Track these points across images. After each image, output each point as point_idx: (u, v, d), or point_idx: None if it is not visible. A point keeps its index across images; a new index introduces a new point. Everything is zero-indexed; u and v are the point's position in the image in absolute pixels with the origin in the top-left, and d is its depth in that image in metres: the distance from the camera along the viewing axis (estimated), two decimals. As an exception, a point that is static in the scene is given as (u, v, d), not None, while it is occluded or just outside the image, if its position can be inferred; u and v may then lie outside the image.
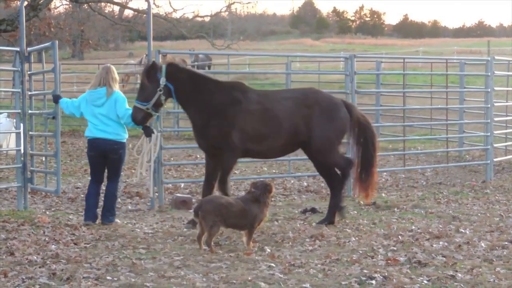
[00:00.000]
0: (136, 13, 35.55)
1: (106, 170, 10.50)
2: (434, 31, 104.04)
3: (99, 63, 28.23)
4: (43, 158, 16.56)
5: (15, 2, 28.22)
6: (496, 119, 16.57)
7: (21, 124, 11.97)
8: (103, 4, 38.08)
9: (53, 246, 8.73)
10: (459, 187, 14.22)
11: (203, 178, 14.53)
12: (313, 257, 8.28)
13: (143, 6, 37.32)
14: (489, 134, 15.76)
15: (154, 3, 32.44)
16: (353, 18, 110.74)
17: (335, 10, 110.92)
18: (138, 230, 9.93)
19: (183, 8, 49.46)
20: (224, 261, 7.98)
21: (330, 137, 10.29)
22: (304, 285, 7.11)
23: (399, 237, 9.37)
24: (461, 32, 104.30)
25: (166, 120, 15.93)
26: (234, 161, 10.33)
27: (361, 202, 11.80)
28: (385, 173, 15.98)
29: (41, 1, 24.25)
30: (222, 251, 8.50)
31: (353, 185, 11.24)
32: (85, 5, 33.80)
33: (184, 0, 49.22)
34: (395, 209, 11.64)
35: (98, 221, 10.28)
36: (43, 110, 12.09)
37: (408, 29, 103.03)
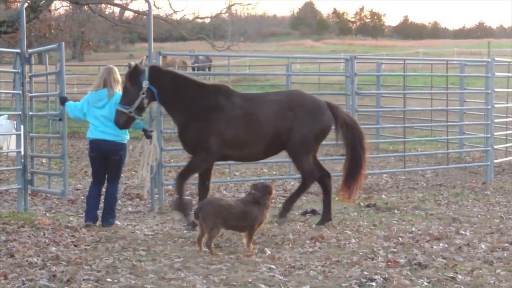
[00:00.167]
0: (136, 14, 35.53)
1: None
2: (434, 32, 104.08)
3: (99, 65, 28.23)
4: (44, 160, 16.64)
5: (16, 3, 28.25)
6: (496, 120, 16.57)
7: (22, 126, 11.98)
8: (103, 5, 38.09)
9: (53, 248, 8.73)
10: (459, 189, 14.21)
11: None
12: (313, 259, 8.28)
13: (143, 7, 37.35)
14: (489, 135, 15.75)
15: (154, 5, 32.49)
16: (353, 20, 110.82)
17: (335, 12, 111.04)
18: (138, 232, 9.93)
19: (184, 10, 49.69)
20: (225, 263, 7.98)
21: (307, 139, 10.18)
22: (304, 287, 7.11)
23: (399, 238, 9.37)
24: (461, 34, 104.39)
25: (166, 121, 15.90)
26: (205, 164, 10.23)
27: (340, 199, 11.50)
28: (385, 175, 15.99)
29: (42, 2, 24.24)
30: (222, 253, 8.50)
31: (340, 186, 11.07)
32: (86, 6, 33.80)
33: (184, 1, 49.18)
34: (395, 211, 11.64)
35: (98, 223, 10.28)
36: (48, 112, 12.10)
37: (408, 31, 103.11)
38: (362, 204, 12.24)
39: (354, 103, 13.60)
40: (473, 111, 20.21)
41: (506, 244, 9.08)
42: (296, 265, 7.93)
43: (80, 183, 14.59)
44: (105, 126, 10.16)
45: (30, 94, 12.10)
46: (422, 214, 11.37)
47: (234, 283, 7.17)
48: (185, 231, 9.85)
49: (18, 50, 11.78)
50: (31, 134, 12.14)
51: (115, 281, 7.25)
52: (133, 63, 10.19)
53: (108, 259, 8.13)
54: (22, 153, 11.80)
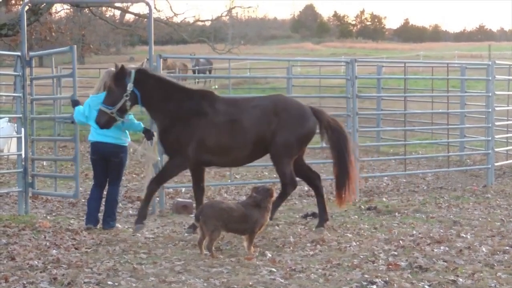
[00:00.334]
0: (137, 17, 35.57)
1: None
2: (435, 35, 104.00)
3: (100, 68, 28.25)
4: (44, 163, 16.64)
5: (16, 6, 28.24)
6: (497, 123, 16.57)
7: (22, 129, 11.98)
8: (104, 8, 38.18)
9: (54, 251, 8.72)
10: (460, 192, 14.21)
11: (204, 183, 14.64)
12: (314, 262, 8.28)
13: (144, 10, 37.30)
14: (490, 138, 15.76)
15: (155, 8, 32.50)
16: (354, 22, 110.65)
17: (336, 14, 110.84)
18: (139, 235, 9.93)
19: (184, 13, 49.84)
20: (225, 266, 7.98)
21: (289, 144, 10.14)
22: (305, 290, 7.11)
23: (400, 241, 9.37)
24: (462, 36, 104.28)
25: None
26: (180, 169, 10.26)
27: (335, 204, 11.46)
28: (386, 178, 15.99)
29: (42, 5, 24.27)
30: (223, 256, 8.50)
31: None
32: (86, 9, 33.85)
33: (185, 4, 49.31)
34: (396, 214, 11.64)
35: (99, 225, 10.28)
36: (55, 115, 12.12)
37: (409, 33, 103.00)
38: (362, 207, 12.24)
39: (354, 106, 13.60)
40: (474, 114, 20.20)
41: (507, 247, 9.07)
42: (297, 268, 7.93)
43: (81, 186, 14.56)
44: (106, 128, 10.16)
45: (31, 97, 12.12)
46: (423, 217, 11.37)
47: (235, 286, 7.17)
48: (186, 234, 9.85)
49: (19, 53, 11.80)
50: (32, 137, 12.15)
51: (116, 284, 7.25)
52: (119, 64, 10.19)
53: (109, 262, 8.13)
54: (23, 155, 11.81)
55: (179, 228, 10.44)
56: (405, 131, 16.93)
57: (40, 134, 17.61)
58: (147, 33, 12.67)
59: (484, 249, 8.98)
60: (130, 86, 9.88)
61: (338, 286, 7.27)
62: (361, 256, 8.56)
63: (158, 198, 12.09)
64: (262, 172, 16.60)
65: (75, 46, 11.71)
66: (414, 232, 10.08)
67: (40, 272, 7.67)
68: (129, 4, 33.23)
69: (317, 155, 18.00)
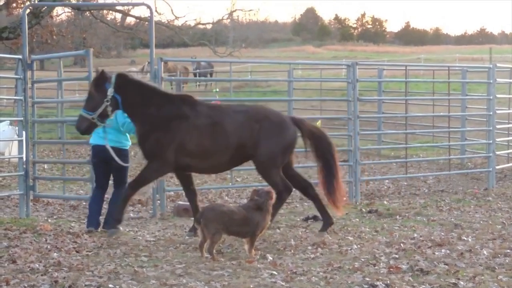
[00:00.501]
0: (138, 20, 35.63)
1: (112, 177, 10.53)
2: (436, 38, 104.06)
3: (101, 71, 28.20)
4: (45, 166, 16.66)
5: (17, 9, 28.27)
6: (498, 126, 16.57)
7: (23, 132, 12.00)
8: (105, 11, 38.16)
9: (55, 254, 8.72)
10: (461, 195, 14.21)
11: (205, 186, 14.66)
12: (315, 265, 8.27)
13: (145, 13, 37.30)
14: (491, 141, 15.76)
15: (156, 11, 32.50)
16: (355, 26, 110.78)
17: (337, 18, 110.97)
18: (140, 238, 9.93)
19: (185, 16, 49.68)
20: (226, 269, 7.97)
21: (274, 154, 10.03)
22: (306, 293, 7.11)
23: (401, 244, 9.36)
24: (463, 39, 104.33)
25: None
26: (159, 174, 10.16)
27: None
28: (387, 181, 16.00)
29: (44, 8, 24.31)
30: (224, 259, 8.49)
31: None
32: (87, 12, 33.91)
33: (186, 7, 49.32)
34: (397, 217, 11.63)
35: (100, 228, 10.28)
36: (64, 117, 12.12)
37: (410, 36, 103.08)
38: (364, 210, 12.24)
39: (355, 109, 13.61)
40: (475, 117, 20.21)
41: (508, 250, 9.07)
42: (298, 271, 7.92)
43: (82, 189, 14.60)
44: (107, 132, 10.15)
45: (32, 100, 12.13)
46: (424, 220, 11.36)
47: (236, 289, 7.17)
48: (187, 237, 9.85)
49: (20, 56, 11.81)
50: (33, 140, 12.16)
51: (117, 287, 7.24)
52: (100, 69, 10.16)
53: (110, 265, 8.13)
54: (24, 159, 11.82)
55: (180, 231, 10.44)
56: (406, 134, 16.93)
57: (41, 137, 17.61)
58: (148, 36, 12.69)
59: (485, 252, 8.97)
60: (110, 91, 9.77)
61: (339, 289, 7.27)
62: (362, 259, 8.55)
63: (159, 201, 12.09)
64: (263, 175, 16.57)
65: (91, 49, 11.74)
66: (415, 235, 10.08)
67: (41, 275, 7.67)
68: (130, 7, 33.27)
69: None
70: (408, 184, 15.76)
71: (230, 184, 14.33)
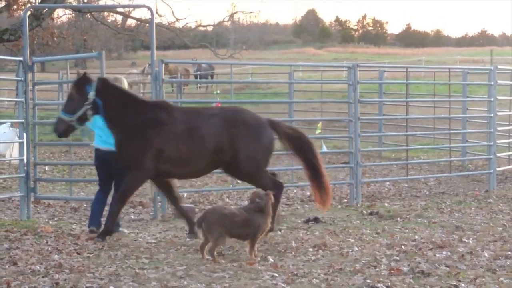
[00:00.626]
0: (139, 22, 35.58)
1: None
2: (437, 40, 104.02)
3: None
4: (46, 168, 16.66)
5: (18, 11, 28.26)
6: (499, 128, 16.56)
7: (24, 134, 12.00)
8: (106, 13, 38.20)
9: (56, 255, 8.73)
10: (462, 197, 14.21)
11: (206, 188, 14.67)
12: (316, 267, 8.27)
13: (146, 15, 37.36)
14: (492, 143, 15.75)
15: (157, 13, 32.46)
16: (355, 27, 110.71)
17: (337, 20, 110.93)
18: (141, 239, 9.93)
19: (186, 18, 49.65)
20: (227, 271, 7.97)
21: (256, 158, 9.99)
22: (307, 295, 7.11)
23: (402, 246, 9.36)
24: (464, 41, 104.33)
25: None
26: (141, 183, 10.11)
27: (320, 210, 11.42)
28: (388, 183, 15.99)
29: (44, 10, 24.28)
30: (225, 261, 8.49)
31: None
32: (88, 14, 33.88)
33: (187, 9, 49.35)
34: (398, 219, 11.63)
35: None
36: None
37: (410, 38, 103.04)
38: (364, 212, 12.24)
39: (356, 111, 13.62)
40: (476, 119, 20.20)
41: (509, 252, 9.06)
42: (299, 273, 7.92)
43: (83, 191, 14.59)
44: (108, 136, 10.13)
45: (33, 102, 12.13)
46: (425, 222, 11.36)
47: (237, 291, 7.17)
48: (188, 239, 9.85)
49: (21, 58, 11.82)
50: (34, 142, 12.16)
51: (118, 289, 7.25)
52: (82, 71, 10.11)
53: (111, 267, 8.13)
54: (25, 160, 11.83)
55: (181, 233, 10.44)
56: (407, 136, 16.92)
57: (42, 139, 17.62)
58: (149, 38, 12.68)
59: (486, 254, 8.97)
60: (92, 95, 9.72)
61: (340, 291, 7.27)
62: (363, 261, 8.55)
63: (160, 203, 12.10)
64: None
65: (103, 51, 11.74)
66: (416, 237, 10.07)
67: (42, 277, 7.67)
68: (130, 9, 33.25)
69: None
70: (409, 186, 15.75)
71: (231, 186, 14.33)
